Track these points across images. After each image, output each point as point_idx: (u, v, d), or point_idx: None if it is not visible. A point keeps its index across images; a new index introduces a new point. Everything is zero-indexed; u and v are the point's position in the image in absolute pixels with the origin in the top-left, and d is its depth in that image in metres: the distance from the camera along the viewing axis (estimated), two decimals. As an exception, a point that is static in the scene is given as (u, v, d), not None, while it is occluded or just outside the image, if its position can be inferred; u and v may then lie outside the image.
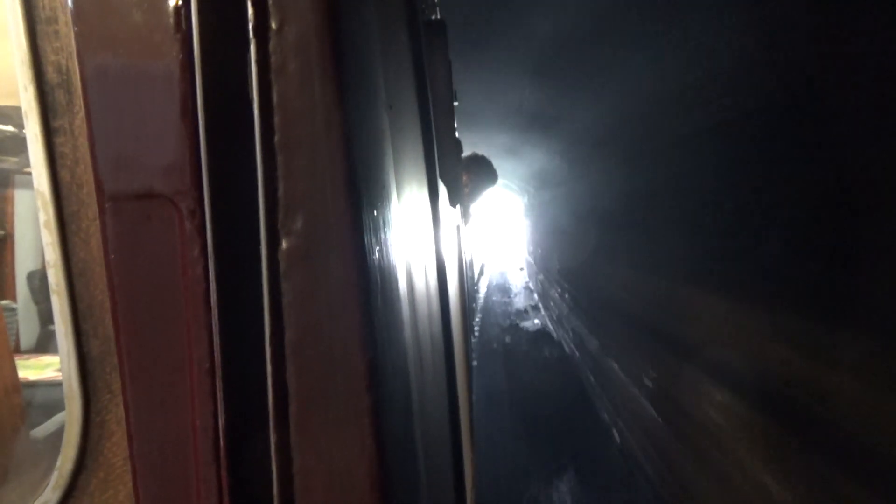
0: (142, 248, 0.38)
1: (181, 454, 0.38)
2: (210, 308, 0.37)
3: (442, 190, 1.38)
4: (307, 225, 0.36)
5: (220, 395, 0.37)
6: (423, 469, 0.51)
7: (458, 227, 2.23)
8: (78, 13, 0.38)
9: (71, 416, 0.64)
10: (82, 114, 0.58)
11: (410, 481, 0.45)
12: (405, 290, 0.50)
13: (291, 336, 0.36)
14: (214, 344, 0.37)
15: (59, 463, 0.63)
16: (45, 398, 1.83)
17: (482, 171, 3.36)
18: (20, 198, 2.43)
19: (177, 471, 0.38)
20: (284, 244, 0.36)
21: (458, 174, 2.22)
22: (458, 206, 2.19)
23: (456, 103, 1.97)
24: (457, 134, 2.32)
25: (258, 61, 0.36)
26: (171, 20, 0.36)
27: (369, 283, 0.37)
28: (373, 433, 0.36)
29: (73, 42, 0.57)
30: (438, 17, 1.98)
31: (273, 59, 0.36)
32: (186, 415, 0.38)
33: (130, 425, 0.38)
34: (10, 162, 2.24)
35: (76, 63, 0.58)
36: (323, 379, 0.36)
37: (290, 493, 0.36)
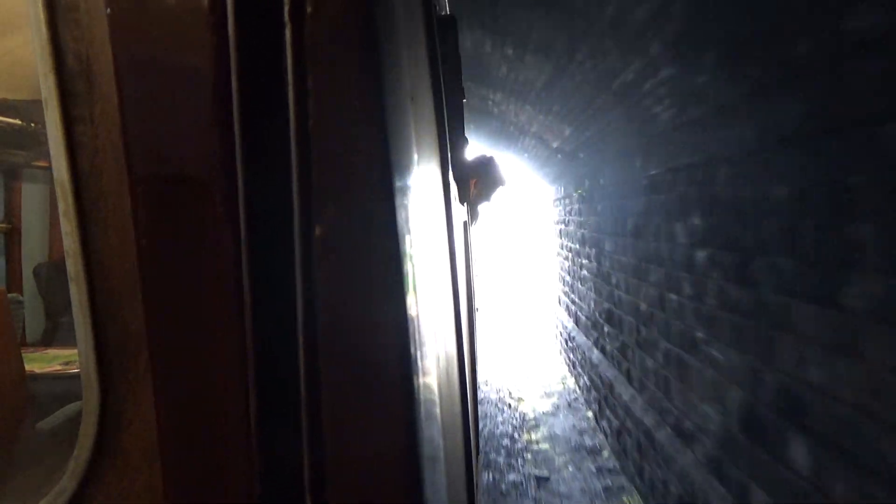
0: (173, 233, 0.38)
1: (211, 441, 0.38)
2: (242, 294, 0.37)
3: (453, 185, 1.38)
4: (342, 211, 0.36)
5: (251, 381, 0.37)
6: (444, 459, 0.51)
7: (465, 223, 2.23)
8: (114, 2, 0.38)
9: (88, 405, 0.64)
10: (102, 102, 0.58)
11: (436, 471, 0.45)
12: (430, 281, 0.50)
13: (324, 323, 0.36)
14: (246, 330, 0.37)
15: (76, 451, 0.63)
16: (50, 391, 1.83)
17: (491, 172, 3.35)
18: (28, 191, 2.43)
19: (207, 457, 0.38)
20: (318, 230, 0.36)
21: (466, 171, 2.22)
22: (465, 203, 2.19)
23: (465, 100, 1.97)
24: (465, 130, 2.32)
25: (293, 45, 0.36)
26: (206, 3, 0.36)
27: (403, 271, 0.37)
28: (405, 421, 0.36)
29: (93, 30, 0.57)
30: (448, 12, 1.98)
31: (308, 43, 0.36)
32: (217, 401, 0.37)
33: (160, 412, 0.38)
34: (19, 156, 2.24)
35: (96, 51, 0.57)
36: (356, 366, 0.36)
37: (322, 480, 0.36)
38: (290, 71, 0.36)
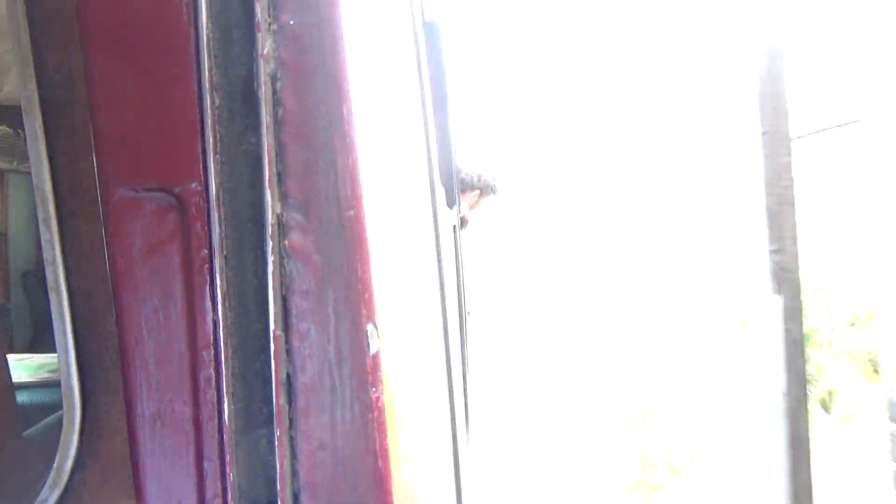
0: (145, 242, 0.38)
1: (185, 450, 0.38)
2: (216, 303, 0.37)
3: (440, 190, 1.38)
4: (314, 221, 0.36)
5: (225, 389, 0.37)
6: (425, 463, 0.51)
7: (454, 226, 2.23)
8: (84, 5, 0.38)
9: (68, 414, 0.63)
10: (83, 111, 0.58)
11: (414, 477, 0.45)
12: (407, 286, 0.50)
13: (297, 330, 0.36)
14: (220, 338, 0.37)
15: (56, 461, 0.62)
16: (38, 399, 1.82)
17: (482, 181, 3.38)
18: (16, 198, 2.42)
19: (180, 467, 0.38)
20: (291, 239, 0.36)
21: (454, 176, 2.23)
22: (454, 206, 2.20)
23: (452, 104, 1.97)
24: (453, 135, 2.33)
25: (265, 55, 0.36)
26: (180, 12, 0.36)
27: (376, 277, 0.37)
28: (378, 427, 0.36)
29: (74, 38, 0.57)
30: (436, 18, 1.98)
31: (281, 53, 0.36)
32: (190, 410, 0.38)
33: (133, 421, 0.38)
34: (5, 161, 2.23)
35: (78, 60, 0.58)
36: (329, 373, 0.36)
37: (296, 487, 0.36)
38: (262, 81, 0.37)
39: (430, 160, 0.97)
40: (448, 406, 0.97)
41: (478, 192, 3.40)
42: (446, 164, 1.89)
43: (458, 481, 0.99)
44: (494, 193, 3.52)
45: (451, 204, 1.87)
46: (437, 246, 0.95)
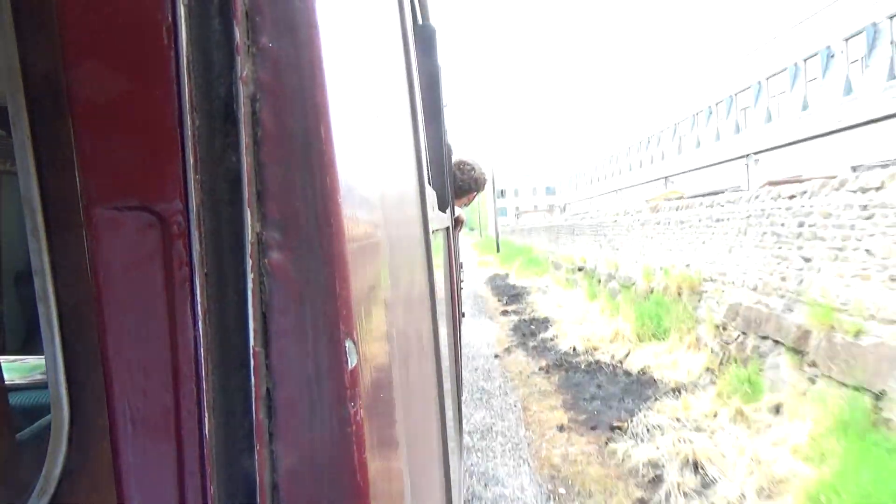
0: (127, 259, 0.38)
1: (166, 464, 0.39)
2: (196, 320, 0.38)
3: (431, 194, 1.39)
4: (292, 239, 0.37)
5: (206, 404, 0.37)
6: (408, 475, 0.52)
7: (447, 228, 2.24)
8: (66, 23, 0.39)
9: (56, 422, 0.64)
10: (70, 121, 0.59)
11: (395, 491, 0.46)
12: (390, 298, 0.51)
13: (277, 346, 0.37)
14: (200, 354, 0.37)
15: (45, 469, 0.63)
16: (31, 401, 1.81)
17: (468, 177, 3.42)
18: (7, 198, 2.41)
19: (162, 481, 0.39)
20: (270, 257, 0.37)
21: (447, 178, 2.23)
22: (447, 209, 2.20)
23: (446, 107, 1.98)
24: (447, 137, 2.34)
25: (244, 77, 0.37)
26: (160, 35, 0.37)
27: (355, 294, 0.38)
28: (357, 441, 0.37)
29: (63, 48, 0.57)
30: (429, 21, 1.99)
31: (260, 75, 0.37)
32: (172, 424, 0.38)
33: (116, 436, 0.39)
34: (-3, 162, 2.22)
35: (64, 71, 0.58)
36: (308, 388, 0.37)
37: (276, 501, 0.36)
38: (242, 102, 0.37)
39: (419, 168, 0.97)
40: (438, 416, 0.98)
41: (463, 188, 3.46)
42: (439, 166, 1.90)
43: (449, 494, 0.99)
44: (481, 190, 3.59)
45: (444, 207, 1.88)
46: (427, 254, 0.95)
